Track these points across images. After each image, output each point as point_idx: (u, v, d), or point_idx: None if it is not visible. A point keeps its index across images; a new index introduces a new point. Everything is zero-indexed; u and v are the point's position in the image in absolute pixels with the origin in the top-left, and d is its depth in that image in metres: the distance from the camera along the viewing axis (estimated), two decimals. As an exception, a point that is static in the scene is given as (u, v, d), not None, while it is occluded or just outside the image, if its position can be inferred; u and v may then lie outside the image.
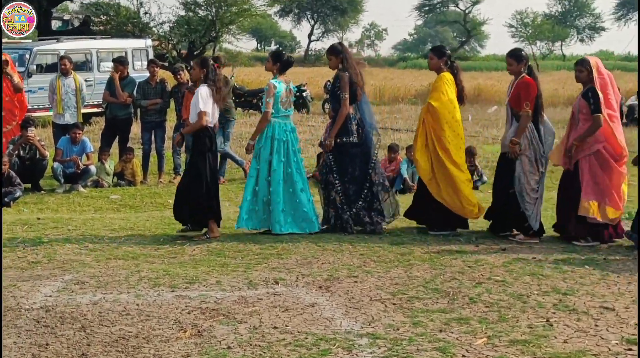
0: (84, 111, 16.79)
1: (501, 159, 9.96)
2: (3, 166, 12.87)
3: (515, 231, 9.80)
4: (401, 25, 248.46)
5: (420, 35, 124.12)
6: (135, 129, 17.06)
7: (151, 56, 26.07)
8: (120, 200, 12.69)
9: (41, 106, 21.84)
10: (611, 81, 9.56)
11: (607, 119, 9.40)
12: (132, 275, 7.86)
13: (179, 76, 15.36)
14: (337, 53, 10.05)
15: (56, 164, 14.18)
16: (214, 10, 37.98)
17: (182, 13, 38.97)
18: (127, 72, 15.52)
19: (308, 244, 9.29)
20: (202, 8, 38.63)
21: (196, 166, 9.64)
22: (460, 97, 10.07)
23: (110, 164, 14.76)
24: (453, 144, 9.89)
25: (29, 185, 14.04)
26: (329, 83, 30.45)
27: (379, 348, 5.77)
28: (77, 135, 14.10)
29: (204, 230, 9.79)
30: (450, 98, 9.86)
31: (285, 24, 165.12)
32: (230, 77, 27.43)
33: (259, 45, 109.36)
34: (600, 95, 9.34)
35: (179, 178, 14.60)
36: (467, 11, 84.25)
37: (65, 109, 15.11)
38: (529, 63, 9.81)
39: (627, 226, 9.73)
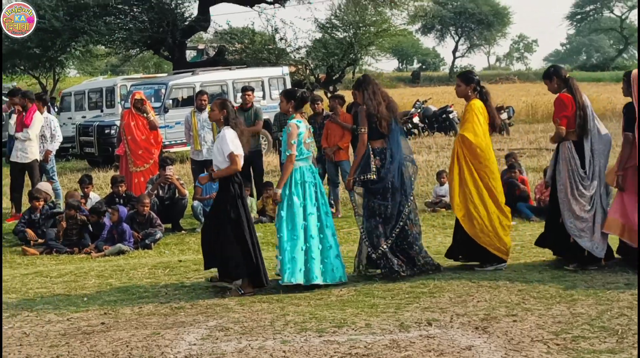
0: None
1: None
2: (145, 208, 13.26)
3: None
4: (552, 35, 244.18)
5: (574, 45, 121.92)
6: (275, 161, 17.27)
7: (288, 84, 26.49)
8: (263, 237, 12.83)
9: (178, 141, 22.44)
10: None
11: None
12: (278, 319, 7.95)
13: (316, 106, 15.48)
14: (360, 87, 9.88)
15: (196, 203, 14.50)
16: (352, 31, 38.16)
17: (319, 36, 39.35)
18: (252, 102, 15.68)
19: (462, 281, 9.19)
20: (340, 30, 38.88)
21: (228, 215, 9.32)
22: (492, 125, 10.01)
23: (252, 202, 14.93)
24: (495, 179, 9.87)
25: (169, 225, 14.39)
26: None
27: (544, 395, 5.65)
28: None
29: (236, 283, 9.49)
30: (484, 129, 9.82)
31: (427, 41, 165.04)
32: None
33: (400, 64, 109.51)
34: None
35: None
36: (623, 17, 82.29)
37: (202, 144, 15.45)
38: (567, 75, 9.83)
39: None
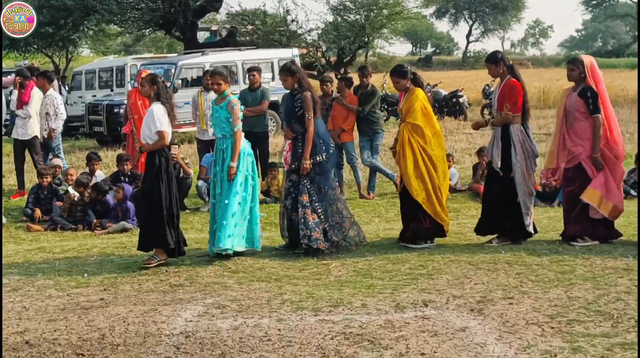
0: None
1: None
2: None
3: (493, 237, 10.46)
4: (567, 21, 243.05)
5: (589, 31, 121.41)
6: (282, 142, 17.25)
7: (299, 65, 26.45)
8: (266, 218, 12.87)
9: (187, 121, 22.46)
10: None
11: (605, 118, 10.01)
12: (275, 298, 8.00)
13: (325, 87, 15.50)
14: (292, 73, 10.25)
15: (200, 182, 14.57)
16: (364, 14, 38.04)
17: (331, 19, 39.27)
18: (259, 83, 15.74)
19: (460, 263, 9.22)
20: (352, 12, 38.77)
21: (152, 190, 9.63)
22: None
23: (256, 182, 14.97)
24: (441, 158, 10.44)
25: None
26: (487, 87, 30.21)
27: (533, 376, 5.68)
28: (222, 152, 14.40)
29: (152, 252, 9.88)
30: (430, 113, 10.44)
31: (441, 26, 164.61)
32: (382, 85, 27.70)
33: (414, 48, 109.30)
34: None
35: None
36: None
37: (207, 124, 15.50)
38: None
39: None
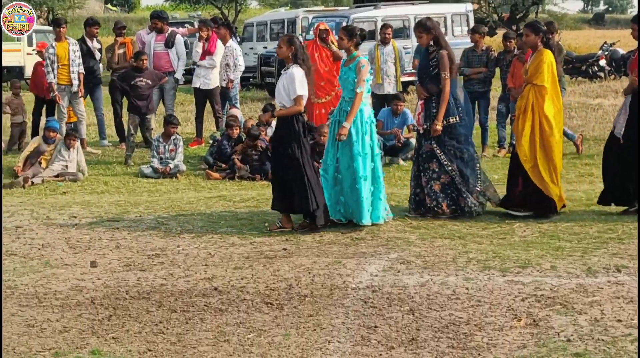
0: (402, 79, 17.02)
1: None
2: (323, 137, 13.30)
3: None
4: None
5: None
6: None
7: (472, 22, 26.03)
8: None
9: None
10: None
11: None
12: (460, 256, 7.88)
13: (508, 43, 15.14)
14: (427, 30, 9.77)
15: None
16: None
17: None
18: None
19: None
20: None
21: (292, 157, 9.15)
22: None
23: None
24: (559, 127, 9.83)
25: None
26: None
27: None
28: (399, 107, 14.30)
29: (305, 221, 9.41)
30: (555, 77, 9.78)
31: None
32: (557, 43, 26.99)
33: (585, 6, 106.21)
34: None
35: (503, 151, 14.49)
36: None
37: (384, 78, 15.44)
38: None
39: None
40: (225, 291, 7.03)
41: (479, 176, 9.90)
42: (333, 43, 15.21)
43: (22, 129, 15.52)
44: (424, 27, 9.82)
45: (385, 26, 16.11)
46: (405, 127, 14.39)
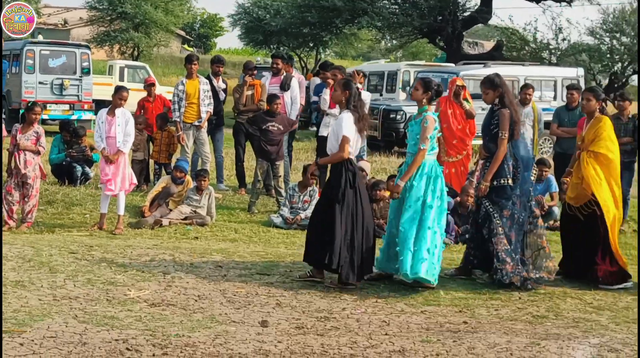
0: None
1: None
2: (468, 199, 12.67)
3: None
4: None
5: None
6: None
7: (582, 86, 25.35)
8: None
9: (479, 133, 21.85)
10: None
11: None
12: (671, 348, 7.12)
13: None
14: (494, 86, 9.20)
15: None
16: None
17: (607, 40, 37.66)
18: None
19: None
20: (628, 35, 37.03)
21: (332, 207, 8.65)
22: None
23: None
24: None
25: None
26: None
27: None
28: (544, 173, 13.64)
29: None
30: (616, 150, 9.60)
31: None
32: None
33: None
34: None
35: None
36: None
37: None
38: None
39: None
40: (425, 369, 6.37)
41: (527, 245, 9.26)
42: (467, 100, 14.60)
43: (142, 168, 15.01)
44: (492, 83, 9.28)
45: (526, 86, 15.46)
46: (547, 195, 13.68)
